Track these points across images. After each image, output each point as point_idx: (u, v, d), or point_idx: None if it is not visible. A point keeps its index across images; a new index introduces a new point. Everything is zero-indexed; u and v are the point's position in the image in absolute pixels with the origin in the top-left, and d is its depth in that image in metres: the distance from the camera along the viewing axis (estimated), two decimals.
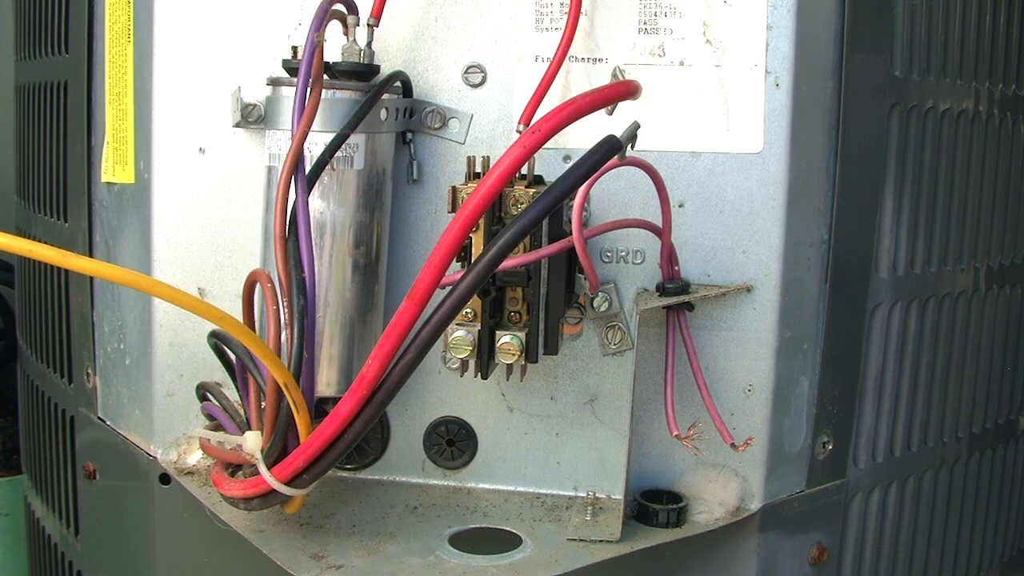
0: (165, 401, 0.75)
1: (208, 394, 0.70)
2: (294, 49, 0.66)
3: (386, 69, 0.69)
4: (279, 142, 0.66)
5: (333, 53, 0.66)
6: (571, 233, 0.62)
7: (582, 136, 0.69)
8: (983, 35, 0.83)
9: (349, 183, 0.66)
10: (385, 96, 0.66)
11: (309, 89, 0.62)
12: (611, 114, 0.60)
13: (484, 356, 0.63)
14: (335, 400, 0.59)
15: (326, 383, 0.66)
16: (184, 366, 0.74)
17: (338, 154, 0.64)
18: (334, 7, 0.63)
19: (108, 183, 0.77)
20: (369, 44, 0.67)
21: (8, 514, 1.13)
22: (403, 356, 0.55)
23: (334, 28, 0.66)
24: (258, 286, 0.62)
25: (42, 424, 0.93)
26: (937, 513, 0.86)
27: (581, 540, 0.66)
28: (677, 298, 0.67)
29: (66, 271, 0.84)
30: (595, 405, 0.72)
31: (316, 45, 0.61)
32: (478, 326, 0.62)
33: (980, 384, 0.88)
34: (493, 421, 0.73)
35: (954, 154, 0.80)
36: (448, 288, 0.53)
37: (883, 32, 0.72)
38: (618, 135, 0.53)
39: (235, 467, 0.66)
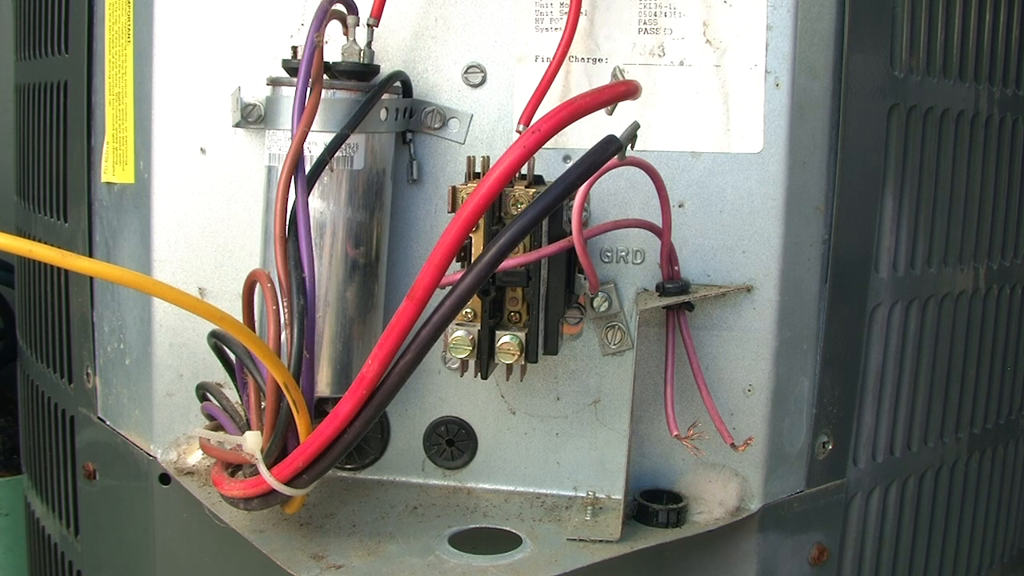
0: (165, 401, 0.75)
1: (208, 394, 0.70)
2: (294, 49, 0.66)
3: (386, 69, 0.69)
4: (279, 142, 0.66)
5: (333, 53, 0.66)
6: (571, 233, 0.62)
7: (582, 136, 0.69)
8: (983, 35, 0.83)
9: (349, 183, 0.66)
10: (385, 96, 0.66)
11: (309, 89, 0.62)
12: (611, 114, 0.60)
13: (484, 356, 0.63)
14: (335, 400, 0.59)
15: (326, 383, 0.66)
16: (184, 366, 0.74)
17: (338, 154, 0.64)
18: (334, 7, 0.63)
19: (108, 183, 0.77)
20: (369, 44, 0.67)
21: (8, 514, 1.13)
22: (403, 356, 0.55)
23: (334, 28, 0.66)
24: (258, 286, 0.62)
25: (42, 424, 0.93)
26: (937, 513, 0.86)
27: (581, 540, 0.66)
28: (677, 298, 0.67)
29: (66, 271, 0.84)
30: (595, 405, 0.72)
31: (316, 45, 0.61)
32: (478, 326, 0.62)
33: (980, 384, 0.88)
34: (493, 421, 0.73)
35: (954, 154, 0.80)
36: (448, 288, 0.53)
37: (883, 32, 0.72)
38: (618, 135, 0.53)
39: (235, 467, 0.66)
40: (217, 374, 0.70)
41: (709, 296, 0.68)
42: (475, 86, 0.70)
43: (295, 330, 0.59)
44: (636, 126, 0.55)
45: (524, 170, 0.64)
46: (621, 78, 0.65)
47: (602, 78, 0.68)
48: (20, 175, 0.97)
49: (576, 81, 0.69)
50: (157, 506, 0.76)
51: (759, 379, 0.69)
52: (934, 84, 0.77)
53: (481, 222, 0.60)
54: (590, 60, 0.69)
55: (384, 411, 0.66)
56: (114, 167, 0.76)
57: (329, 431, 0.57)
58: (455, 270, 0.58)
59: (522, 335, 0.63)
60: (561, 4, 0.68)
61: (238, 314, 0.63)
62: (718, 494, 0.70)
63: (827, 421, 0.73)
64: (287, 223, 0.62)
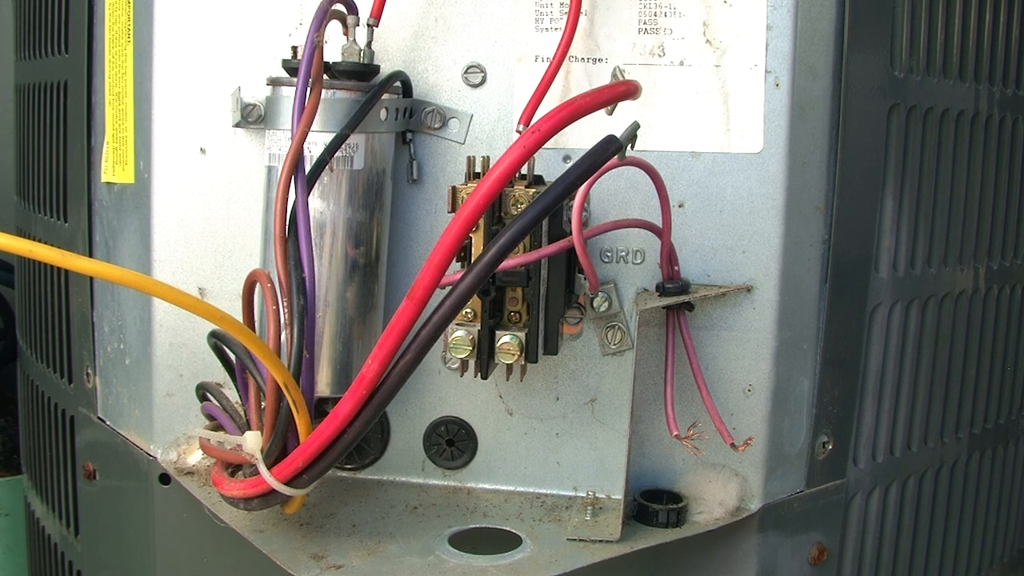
0: (165, 401, 0.75)
1: (208, 394, 0.70)
2: (294, 49, 0.66)
3: (386, 69, 0.69)
4: (279, 142, 0.66)
5: (333, 53, 0.66)
6: (571, 233, 0.62)
7: (582, 136, 0.69)
8: (983, 35, 0.83)
9: (349, 183, 0.66)
10: (385, 96, 0.66)
11: (309, 89, 0.62)
12: (611, 114, 0.60)
13: (484, 356, 0.63)
14: (335, 400, 0.59)
15: (326, 383, 0.66)
16: (184, 366, 0.74)
17: (338, 154, 0.64)
18: (334, 7, 0.63)
19: (108, 183, 0.77)
20: (369, 44, 0.67)
21: (8, 514, 1.13)
22: (403, 356, 0.55)
23: (334, 28, 0.66)
24: (258, 286, 0.62)
25: (42, 424, 0.93)
26: (937, 513, 0.86)
27: (581, 540, 0.66)
28: (677, 298, 0.67)
29: (66, 271, 0.84)
30: (595, 405, 0.72)
31: (316, 45, 0.61)
32: (478, 326, 0.62)
33: (980, 384, 0.88)
34: (493, 421, 0.73)
35: (954, 154, 0.80)
36: (448, 288, 0.53)
37: (883, 32, 0.72)
38: (618, 135, 0.53)
39: (235, 467, 0.66)
40: (217, 374, 0.70)
41: (709, 296, 0.68)
42: (475, 86, 0.70)
43: (295, 330, 0.59)
44: (636, 126, 0.55)
45: (524, 170, 0.64)
46: (621, 78, 0.65)
47: (602, 78, 0.68)
48: (20, 175, 0.97)
49: (576, 81, 0.69)
50: (157, 506, 0.76)
51: (759, 379, 0.69)
52: (934, 84, 0.77)
53: (481, 222, 0.60)
54: (590, 60, 0.69)
55: (384, 411, 0.66)
56: (114, 167, 0.76)
57: (329, 431, 0.57)
58: (455, 270, 0.58)
59: (522, 335, 0.63)
60: (561, 4, 0.68)
61: (238, 314, 0.63)
62: (718, 494, 0.70)
63: (827, 421, 0.73)
64: (287, 223, 0.62)
